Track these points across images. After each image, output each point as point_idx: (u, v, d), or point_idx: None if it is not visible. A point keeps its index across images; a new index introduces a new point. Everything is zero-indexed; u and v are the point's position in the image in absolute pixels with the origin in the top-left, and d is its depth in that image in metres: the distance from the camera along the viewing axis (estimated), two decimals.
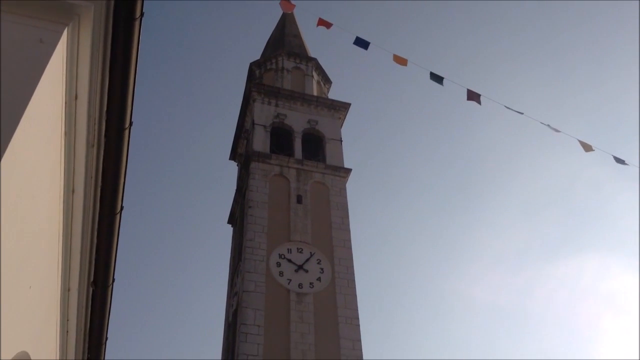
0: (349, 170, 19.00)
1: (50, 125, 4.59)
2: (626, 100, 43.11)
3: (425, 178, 46.60)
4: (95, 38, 4.52)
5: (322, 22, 10.52)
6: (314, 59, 22.50)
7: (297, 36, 23.87)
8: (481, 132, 46.51)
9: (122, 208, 5.67)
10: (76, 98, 4.77)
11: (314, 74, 22.32)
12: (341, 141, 19.96)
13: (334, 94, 22.92)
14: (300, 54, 22.59)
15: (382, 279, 42.31)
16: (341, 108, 20.77)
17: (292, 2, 10.29)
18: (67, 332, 6.41)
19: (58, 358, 6.36)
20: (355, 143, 41.49)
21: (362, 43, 10.46)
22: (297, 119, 19.95)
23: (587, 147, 10.36)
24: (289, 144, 19.46)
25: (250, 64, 22.57)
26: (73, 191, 5.31)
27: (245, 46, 49.22)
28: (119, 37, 4.58)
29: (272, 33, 24.86)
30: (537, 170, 45.35)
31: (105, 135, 5.06)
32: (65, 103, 4.69)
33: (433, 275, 44.01)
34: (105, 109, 4.92)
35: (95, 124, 4.99)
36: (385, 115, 47.26)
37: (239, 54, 46.89)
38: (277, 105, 20.05)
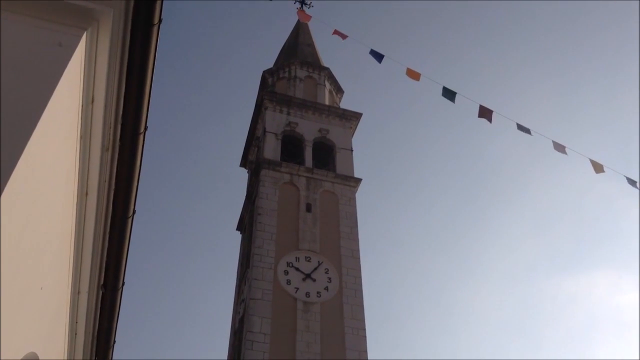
0: (359, 180, 19.00)
1: (67, 128, 4.63)
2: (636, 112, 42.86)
3: (435, 190, 46.51)
4: (114, 43, 4.56)
5: (337, 33, 10.57)
6: (327, 69, 22.57)
7: (311, 45, 23.96)
8: (493, 145, 46.38)
9: (134, 212, 5.69)
10: (93, 102, 4.81)
11: (327, 83, 22.39)
12: (352, 151, 19.98)
13: (345, 103, 22.99)
14: (313, 63, 22.67)
15: (390, 289, 42.17)
16: (352, 118, 20.80)
17: (308, 12, 10.35)
18: (76, 334, 6.43)
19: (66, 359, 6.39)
20: (365, 153, 41.56)
21: (376, 55, 10.49)
22: (309, 128, 20.00)
23: (598, 168, 10.23)
24: (300, 152, 19.50)
25: (263, 72, 22.68)
26: (86, 194, 5.34)
27: (258, 54, 49.49)
28: (137, 43, 4.62)
29: (286, 41, 24.97)
30: (548, 185, 45.16)
31: (120, 140, 5.09)
32: (82, 106, 4.73)
33: (442, 286, 43.83)
34: (121, 113, 4.95)
35: (110, 128, 5.02)
36: (396, 126, 47.26)
37: (252, 61, 47.19)
38: (288, 114, 20.12)
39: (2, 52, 3.91)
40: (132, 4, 4.50)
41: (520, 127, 10.05)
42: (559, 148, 9.99)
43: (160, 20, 4.68)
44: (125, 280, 6.21)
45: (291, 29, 25.50)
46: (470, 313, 42.67)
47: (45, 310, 5.21)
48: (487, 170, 45.49)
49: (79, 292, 6.03)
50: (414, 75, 10.32)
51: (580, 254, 43.95)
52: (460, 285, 43.94)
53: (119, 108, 4.93)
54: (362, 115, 20.84)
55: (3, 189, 3.54)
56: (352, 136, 20.66)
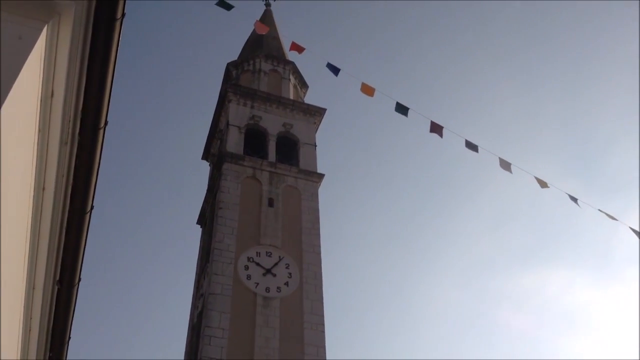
0: (321, 176, 19.06)
1: (25, 122, 4.54)
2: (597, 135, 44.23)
3: (395, 188, 46.97)
4: (75, 37, 4.48)
5: (295, 47, 10.65)
6: (292, 63, 22.53)
7: (276, 39, 23.87)
8: (449, 149, 47.15)
9: (92, 207, 5.61)
10: (52, 95, 4.72)
11: (291, 77, 22.35)
12: (315, 146, 20.01)
13: (310, 98, 22.98)
14: (279, 57, 22.60)
15: (350, 285, 42.47)
16: (317, 113, 20.83)
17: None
18: (30, 330, 6.30)
19: (19, 357, 6.25)
20: (329, 149, 41.64)
21: (333, 69, 10.60)
22: (273, 122, 19.95)
23: (542, 184, 10.66)
24: (263, 146, 19.44)
25: (227, 64, 22.50)
26: (44, 188, 5.24)
27: (222, 46, 49.03)
28: (99, 37, 4.55)
29: (251, 34, 24.81)
30: (503, 187, 46.16)
31: (80, 134, 5.00)
32: (41, 100, 4.64)
33: (402, 282, 44.36)
34: (81, 107, 4.87)
35: (70, 122, 4.93)
36: (357, 125, 47.52)
37: (216, 53, 46.73)
38: (252, 107, 20.02)
39: None
40: None
41: (469, 144, 10.32)
42: (505, 165, 10.39)
43: (123, 15, 4.62)
44: (81, 276, 6.12)
45: (257, 19, 25.33)
46: (429, 309, 43.37)
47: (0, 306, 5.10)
48: (445, 170, 46.18)
49: (34, 288, 5.91)
50: (368, 90, 10.46)
51: (535, 252, 45.05)
52: (419, 281, 44.58)
53: (79, 102, 4.85)
54: (326, 111, 20.90)
55: None
56: (316, 131, 20.69)
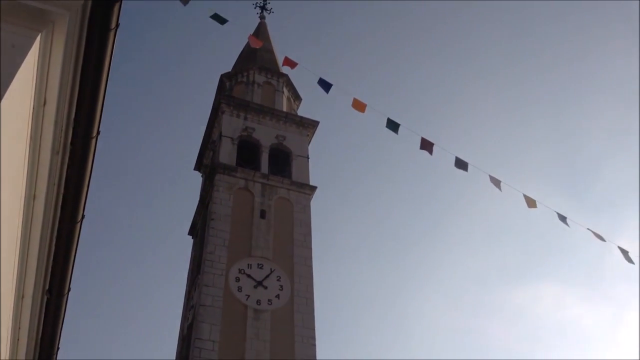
0: (314, 188, 19.06)
1: (17, 131, 4.53)
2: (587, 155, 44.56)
3: (387, 202, 47.00)
4: (69, 46, 4.49)
5: (287, 62, 10.69)
6: (285, 75, 22.61)
7: (270, 51, 23.96)
8: (440, 165, 47.32)
9: (83, 217, 5.59)
10: (45, 104, 4.72)
11: (285, 89, 22.42)
12: (308, 158, 20.04)
13: (303, 111, 23.04)
14: (272, 69, 22.67)
15: (342, 298, 42.34)
16: (309, 125, 20.88)
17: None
18: (19, 339, 6.26)
19: None
20: (321, 161, 41.71)
21: (324, 85, 10.61)
22: (265, 134, 19.98)
23: (531, 202, 10.70)
24: (256, 158, 19.46)
25: (221, 75, 22.56)
26: (34, 197, 5.22)
27: (216, 57, 49.16)
28: (92, 47, 4.56)
29: (245, 46, 24.89)
30: (494, 204, 46.38)
31: (72, 143, 5.00)
32: (33, 109, 4.64)
33: (394, 296, 44.24)
34: (73, 116, 4.87)
35: (62, 131, 4.93)
36: (350, 139, 47.66)
37: (210, 65, 46.83)
38: (245, 119, 20.05)
39: None
40: (89, 7, 4.45)
41: (459, 161, 10.36)
42: (495, 182, 10.43)
43: (117, 25, 4.64)
44: (71, 286, 6.09)
45: (251, 33, 25.44)
46: (420, 323, 43.28)
47: None
48: (437, 185, 46.30)
49: (23, 297, 5.88)
50: (359, 106, 10.48)
51: (526, 268, 45.15)
52: (411, 295, 44.50)
53: (71, 111, 4.85)
54: (319, 124, 20.95)
55: None
56: (309, 143, 20.73)
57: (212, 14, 9.48)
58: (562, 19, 45.46)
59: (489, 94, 47.85)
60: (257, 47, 11.43)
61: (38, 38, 4.28)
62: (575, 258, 44.19)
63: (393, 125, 10.37)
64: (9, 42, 4.07)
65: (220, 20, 9.56)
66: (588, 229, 10.50)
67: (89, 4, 4.44)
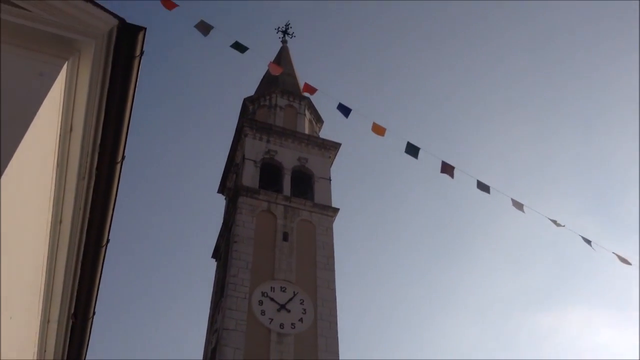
0: (336, 210, 19.01)
1: (44, 157, 4.62)
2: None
3: (411, 223, 46.69)
4: (95, 73, 4.58)
5: (307, 88, 10.74)
6: (307, 98, 22.72)
7: (292, 75, 24.15)
8: (461, 188, 46.97)
9: (108, 241, 5.65)
10: (71, 131, 4.81)
11: (307, 112, 22.53)
12: (330, 180, 20.03)
13: (325, 133, 23.11)
14: (294, 92, 22.83)
15: (366, 321, 41.95)
16: (331, 147, 20.90)
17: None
18: None
19: None
20: (344, 183, 41.69)
21: (344, 109, 10.63)
22: (288, 156, 20.04)
23: (556, 224, 10.56)
24: (278, 180, 19.50)
25: (244, 99, 22.76)
26: (61, 222, 5.30)
27: (239, 81, 49.70)
28: (117, 74, 4.65)
29: (267, 70, 25.14)
30: (518, 226, 45.81)
31: (97, 169, 5.07)
32: (60, 135, 4.73)
33: (419, 319, 43.75)
34: (99, 142, 4.95)
35: (88, 156, 5.01)
36: (371, 162, 47.65)
37: (233, 89, 47.34)
38: (268, 141, 20.15)
39: None
40: (114, 35, 4.54)
41: (480, 184, 10.28)
42: (517, 206, 10.34)
43: (142, 53, 4.73)
44: (96, 310, 6.13)
45: (273, 57, 25.72)
46: (444, 345, 42.59)
47: (14, 340, 5.11)
48: (456, 212, 45.93)
49: (48, 321, 5.93)
50: (379, 130, 10.45)
51: (551, 291, 44.35)
52: (437, 317, 43.94)
53: (97, 137, 4.93)
54: (341, 145, 20.98)
55: None
56: (331, 165, 20.74)
57: (232, 43, 9.59)
58: (587, 45, 45.17)
59: (511, 117, 47.57)
60: (277, 74, 11.52)
61: (65, 66, 4.38)
62: (602, 281, 43.34)
63: (413, 150, 10.32)
64: (37, 70, 4.17)
65: (241, 48, 9.66)
66: (613, 252, 10.31)
67: (115, 32, 4.54)
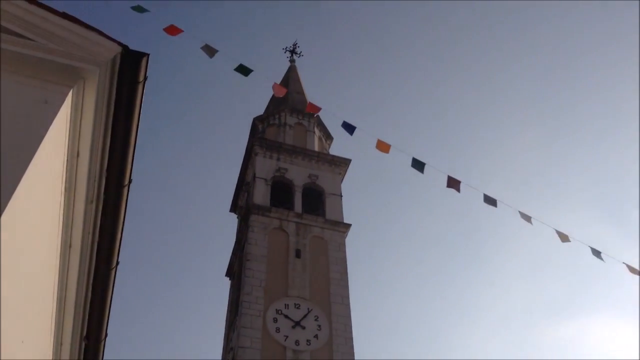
0: (348, 226, 19.03)
1: (51, 182, 4.72)
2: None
3: (424, 236, 46.52)
4: (99, 100, 4.69)
5: (311, 107, 10.86)
6: (317, 116, 22.86)
7: (301, 93, 24.32)
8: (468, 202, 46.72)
9: (117, 263, 5.73)
10: (78, 156, 4.91)
11: (316, 129, 22.65)
12: (341, 196, 20.07)
13: (336, 149, 23.20)
14: (303, 110, 22.96)
15: (382, 336, 41.67)
16: (342, 163, 20.97)
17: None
18: None
19: None
20: (354, 199, 41.66)
21: (348, 127, 10.71)
22: (298, 173, 20.13)
23: (563, 237, 10.45)
24: (289, 197, 19.57)
25: (254, 118, 22.94)
26: (70, 246, 5.39)
27: (249, 102, 50.06)
28: (122, 100, 4.76)
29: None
30: (530, 237, 45.50)
31: (105, 192, 5.17)
32: (67, 160, 4.83)
33: (437, 332, 43.38)
34: (105, 167, 5.05)
35: (95, 180, 5.11)
36: (379, 177, 47.63)
37: (243, 109, 47.67)
38: (278, 159, 20.27)
39: None
40: (118, 62, 4.66)
41: (487, 198, 10.27)
42: (525, 218, 10.30)
43: (145, 78, 4.83)
44: (108, 332, 6.20)
45: (281, 76, 25.94)
46: (466, 356, 42.17)
47: None
48: (466, 226, 45.69)
49: (61, 344, 6.00)
50: (383, 147, 10.48)
51: (571, 300, 43.85)
52: (455, 329, 43.55)
53: (103, 161, 5.03)
54: (351, 161, 21.04)
55: None
56: (341, 182, 20.80)
57: (237, 66, 9.65)
58: (595, 46, 45.04)
59: (515, 130, 47.46)
60: (282, 96, 11.60)
61: (70, 93, 4.49)
62: (620, 289, 42.78)
63: (418, 165, 10.34)
64: (42, 98, 4.28)
65: (245, 71, 9.71)
66: (623, 262, 10.21)
67: (118, 59, 4.65)
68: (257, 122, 22.83)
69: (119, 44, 4.65)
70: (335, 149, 23.03)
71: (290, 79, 25.13)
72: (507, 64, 47.80)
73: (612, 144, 45.02)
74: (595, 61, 45.69)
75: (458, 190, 10.26)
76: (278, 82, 25.74)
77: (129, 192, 5.52)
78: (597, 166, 45.30)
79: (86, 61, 4.52)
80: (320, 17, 50.07)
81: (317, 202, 19.78)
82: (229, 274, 20.40)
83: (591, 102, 45.46)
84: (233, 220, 22.56)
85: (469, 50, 48.56)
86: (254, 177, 19.56)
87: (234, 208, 22.42)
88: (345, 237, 18.79)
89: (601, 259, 10.34)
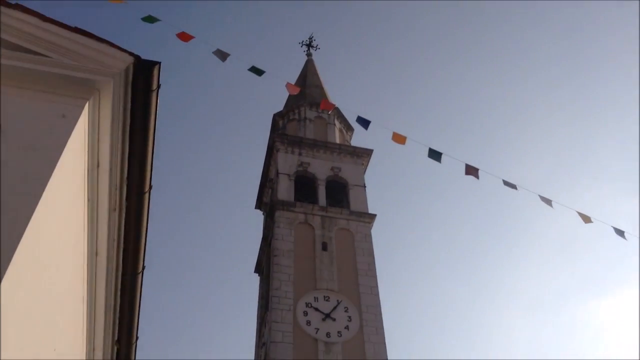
0: (373, 216, 19.04)
1: (74, 193, 4.84)
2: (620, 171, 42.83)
3: (451, 222, 46.28)
4: (115, 110, 4.80)
5: (325, 105, 10.86)
6: (336, 108, 22.85)
7: (319, 86, 24.33)
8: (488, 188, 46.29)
9: (143, 267, 5.87)
10: (98, 166, 5.03)
11: (336, 122, 22.65)
12: (365, 187, 20.08)
13: (356, 140, 23.19)
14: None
15: (413, 324, 41.68)
16: (364, 154, 20.96)
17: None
18: None
19: None
20: (378, 189, 41.62)
21: (363, 122, 10.72)
22: (321, 167, 20.18)
23: (585, 219, 10.33)
24: (313, 191, 19.64)
25: (274, 115, 23.04)
26: (96, 254, 5.53)
27: (268, 99, 50.27)
28: (137, 108, 4.86)
29: (295, 84, 25.39)
30: (559, 215, 44.85)
31: (127, 200, 5.29)
32: (88, 171, 4.95)
33: (468, 316, 43.22)
34: (125, 175, 5.17)
35: (116, 189, 5.23)
36: (401, 167, 47.44)
37: (262, 107, 47.84)
38: (300, 154, 20.35)
39: (8, 125, 4.15)
40: (131, 72, 4.76)
41: (507, 183, 10.23)
42: (546, 201, 10.22)
43: (158, 86, 4.93)
44: (139, 335, 6.35)
45: (299, 72, 25.98)
46: (498, 340, 41.98)
47: None
48: (503, 198, 45.30)
49: (94, 349, 6.17)
50: (399, 139, 10.47)
51: (604, 279, 43.29)
52: (486, 313, 43.32)
53: (123, 170, 5.15)
54: (373, 151, 21.02)
55: (12, 255, 3.73)
56: (364, 172, 20.79)
57: (249, 67, 9.72)
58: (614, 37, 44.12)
59: (529, 115, 46.84)
60: (295, 94, 11.64)
61: (86, 106, 4.60)
62: None
63: (435, 155, 10.34)
64: (60, 113, 4.39)
65: (258, 72, 9.78)
66: None
67: (131, 69, 4.75)
68: (277, 118, 22.92)
69: (131, 54, 4.75)
70: (356, 140, 23.02)
71: (308, 72, 25.16)
72: (529, 55, 47.14)
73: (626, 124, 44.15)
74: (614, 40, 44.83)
75: (477, 177, 10.25)
76: (296, 75, 25.84)
77: (151, 198, 5.64)
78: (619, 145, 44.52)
79: (100, 73, 4.63)
80: (335, 8, 49.92)
81: (341, 194, 19.82)
82: (257, 270, 20.59)
83: (596, 85, 44.66)
84: (259, 217, 22.74)
85: (485, 38, 48.02)
86: (277, 173, 19.68)
87: (259, 205, 22.58)
88: (371, 228, 18.81)
89: (624, 237, 10.22)
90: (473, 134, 46.81)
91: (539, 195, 10.21)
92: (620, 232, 10.26)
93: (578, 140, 45.69)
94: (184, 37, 9.12)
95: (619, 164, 44.05)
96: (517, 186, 10.22)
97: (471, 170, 10.31)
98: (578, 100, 45.73)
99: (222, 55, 9.44)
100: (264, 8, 49.04)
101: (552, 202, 10.26)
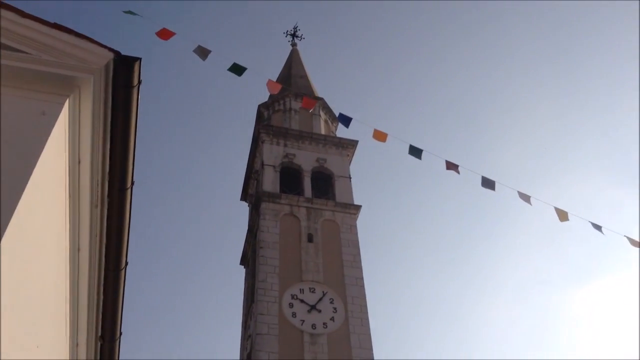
0: (359, 207, 19.10)
1: (55, 190, 4.82)
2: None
3: (436, 211, 46.54)
4: (96, 106, 4.77)
5: (307, 103, 10.87)
6: (321, 99, 22.84)
7: (304, 77, 24.29)
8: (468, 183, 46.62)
9: (126, 263, 5.85)
10: (79, 163, 5.00)
11: (322, 113, 22.64)
12: (350, 178, 20.13)
13: (341, 131, 23.20)
14: (307, 94, 22.94)
15: (399, 315, 41.96)
16: (349, 145, 21.00)
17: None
18: None
19: None
20: (364, 180, 41.75)
21: (344, 119, 10.78)
22: (306, 158, 20.19)
23: (562, 216, 10.45)
24: (299, 183, 19.66)
25: (259, 106, 22.97)
26: (79, 249, 5.51)
27: (253, 90, 50.11)
28: (118, 105, 4.83)
29: (280, 74, 25.34)
30: (538, 211, 45.36)
31: (108, 196, 5.27)
32: (69, 168, 4.93)
33: (456, 306, 43.58)
34: (107, 171, 5.14)
35: (98, 185, 5.21)
36: (384, 161, 47.60)
37: (247, 96, 47.70)
38: (285, 145, 20.34)
39: None
40: (111, 68, 4.73)
41: (485, 180, 10.33)
42: (524, 197, 10.34)
43: (139, 82, 4.90)
44: (122, 330, 6.35)
45: (284, 62, 25.90)
46: (487, 330, 42.41)
47: None
48: (469, 205, 45.76)
49: (77, 345, 6.16)
50: (380, 136, 10.54)
51: (589, 266, 43.84)
52: (474, 303, 43.75)
53: (105, 166, 5.13)
54: (358, 142, 21.05)
55: None
56: (349, 164, 20.84)
57: (230, 65, 9.63)
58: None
59: (503, 110, 47.18)
60: (275, 93, 11.65)
61: (66, 103, 4.57)
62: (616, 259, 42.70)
63: (416, 152, 10.45)
64: (40, 110, 4.37)
65: (239, 71, 9.69)
66: (625, 235, 10.23)
67: (111, 65, 4.72)
68: (262, 109, 22.86)
69: (111, 50, 4.71)
70: (341, 131, 23.03)
71: (293, 62, 25.09)
72: (504, 49, 47.32)
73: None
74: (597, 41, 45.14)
75: (458, 172, 10.38)
76: (281, 67, 25.74)
77: (134, 193, 5.62)
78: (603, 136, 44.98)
79: (80, 70, 4.60)
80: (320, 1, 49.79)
81: (327, 186, 19.86)
82: (243, 262, 20.60)
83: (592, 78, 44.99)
84: (244, 208, 22.73)
85: (468, 36, 48.16)
86: (262, 164, 19.66)
87: (244, 196, 22.57)
88: (356, 219, 18.89)
89: (602, 232, 10.37)
90: (458, 129, 47.11)
91: (518, 192, 10.34)
92: (597, 227, 10.42)
93: (562, 136, 46.16)
94: (165, 34, 9.06)
95: (604, 158, 44.54)
96: (495, 183, 10.36)
97: (451, 166, 10.44)
98: (562, 97, 46.14)
99: (203, 53, 9.38)
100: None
101: (531, 199, 10.39)
